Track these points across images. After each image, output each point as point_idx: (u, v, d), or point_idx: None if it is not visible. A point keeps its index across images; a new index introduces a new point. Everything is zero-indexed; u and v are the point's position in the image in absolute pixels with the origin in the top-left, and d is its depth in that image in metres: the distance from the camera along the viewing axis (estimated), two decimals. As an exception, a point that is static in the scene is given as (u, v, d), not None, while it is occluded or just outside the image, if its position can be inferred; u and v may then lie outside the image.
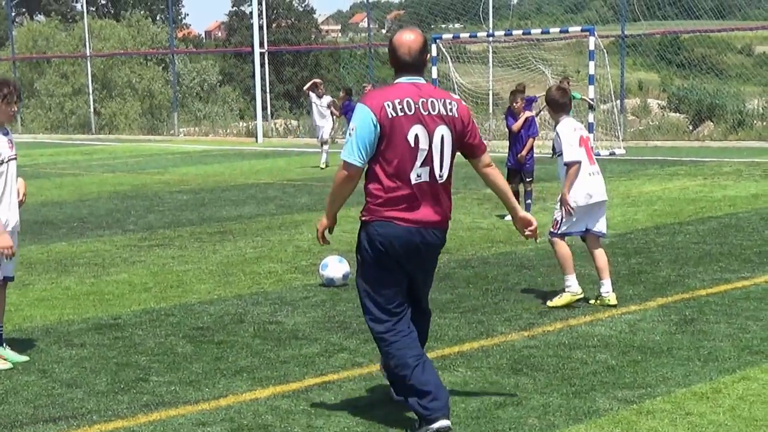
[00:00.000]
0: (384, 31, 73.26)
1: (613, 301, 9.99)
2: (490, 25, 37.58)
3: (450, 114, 6.42)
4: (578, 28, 30.53)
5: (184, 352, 8.76)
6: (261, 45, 42.16)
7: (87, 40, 50.06)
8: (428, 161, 6.35)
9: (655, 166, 24.08)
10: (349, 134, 6.28)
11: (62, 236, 15.72)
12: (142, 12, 64.23)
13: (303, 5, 73.14)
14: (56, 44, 55.55)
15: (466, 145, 6.55)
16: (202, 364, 8.35)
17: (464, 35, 33.10)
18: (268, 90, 42.84)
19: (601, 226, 10.19)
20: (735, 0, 44.68)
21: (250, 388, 7.69)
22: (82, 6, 56.25)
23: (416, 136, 6.31)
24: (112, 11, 73.97)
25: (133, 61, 53.77)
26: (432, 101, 6.38)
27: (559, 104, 10.19)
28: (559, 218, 10.09)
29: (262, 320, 9.82)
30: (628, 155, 27.68)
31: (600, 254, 10.16)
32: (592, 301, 10.10)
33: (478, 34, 34.18)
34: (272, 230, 15.72)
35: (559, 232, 10.10)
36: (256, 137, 39.80)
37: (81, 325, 9.78)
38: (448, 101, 6.46)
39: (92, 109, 48.93)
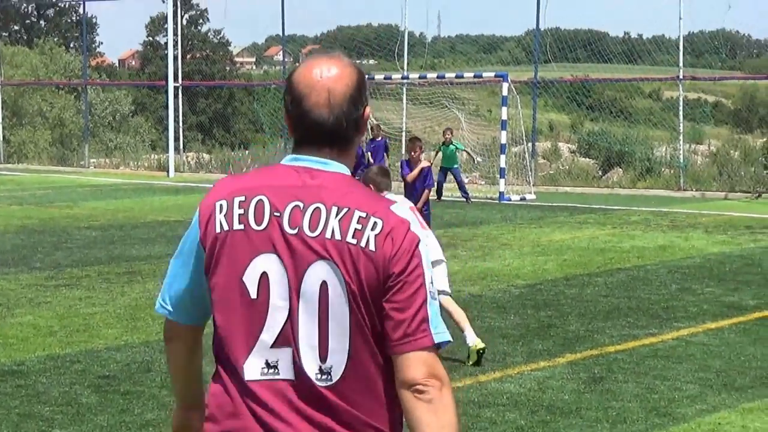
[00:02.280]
0: (297, 65, 73.32)
1: (480, 345, 9.89)
2: (405, 67, 37.74)
3: (351, 242, 2.91)
4: (492, 74, 30.84)
5: (89, 402, 8.61)
6: (175, 78, 41.91)
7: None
8: (286, 337, 2.95)
9: (565, 213, 24.34)
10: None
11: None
12: (55, 39, 63.62)
13: (218, 37, 72.96)
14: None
15: (384, 317, 2.92)
16: (107, 417, 8.21)
17: (379, 77, 33.28)
18: (181, 122, 42.57)
19: (443, 285, 10.08)
20: (644, 45, 45.48)
21: (156, 443, 7.59)
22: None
23: (262, 277, 2.96)
24: (26, 37, 73.10)
25: (45, 89, 53.19)
26: (317, 208, 2.94)
27: (379, 184, 10.16)
28: None
29: (170, 369, 9.67)
30: (538, 201, 27.96)
31: (454, 308, 10.13)
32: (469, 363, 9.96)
33: (393, 76, 34.35)
34: (182, 272, 15.54)
35: None
36: (168, 171, 39.48)
37: (-18, 372, 9.59)
38: (359, 214, 2.93)
39: (1, 137, 48.20)
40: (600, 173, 36.15)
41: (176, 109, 41.63)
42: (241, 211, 2.98)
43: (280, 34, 42.91)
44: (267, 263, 2.96)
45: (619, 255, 17.21)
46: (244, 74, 76.13)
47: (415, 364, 2.89)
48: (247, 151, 45.49)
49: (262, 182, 3.03)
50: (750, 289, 13.92)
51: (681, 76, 33.16)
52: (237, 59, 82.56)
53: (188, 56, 67.57)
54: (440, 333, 2.93)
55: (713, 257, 17.00)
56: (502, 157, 28.81)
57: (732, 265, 16.04)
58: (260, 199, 2.98)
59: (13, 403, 8.58)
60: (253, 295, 2.96)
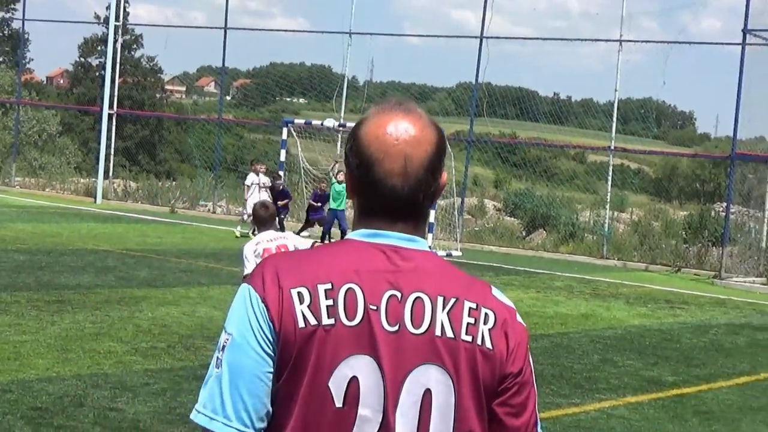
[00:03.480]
0: (228, 97, 73.26)
1: None
2: (342, 113, 38.07)
3: (466, 339, 2.51)
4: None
5: (23, 434, 8.69)
6: (110, 105, 41.84)
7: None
8: None
9: (491, 273, 24.70)
10: (214, 365, 2.52)
11: None
12: (-16, 53, 63.13)
13: (151, 64, 72.76)
14: None
15: (495, 422, 2.57)
16: (41, 450, 8.29)
17: (316, 122, 33.48)
18: (112, 148, 42.45)
19: None
20: (572, 108, 46.27)
21: (90, 480, 7.68)
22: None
23: (351, 383, 2.47)
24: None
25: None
26: (418, 299, 2.51)
27: (261, 219, 10.69)
28: None
29: (102, 405, 9.78)
30: (464, 258, 28.29)
31: None
32: None
33: (331, 123, 34.62)
34: (111, 304, 15.61)
35: None
36: (95, 198, 39.33)
37: None
38: (470, 305, 2.54)
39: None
40: (524, 234, 36.66)
41: (108, 136, 41.53)
42: (330, 302, 2.45)
43: (212, 65, 42.86)
44: (358, 366, 2.44)
45: (542, 320, 17.56)
46: (174, 103, 75.94)
47: None
48: (174, 182, 45.42)
49: (347, 265, 2.49)
50: (669, 364, 14.32)
51: (612, 147, 33.80)
52: (168, 87, 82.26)
53: (119, 80, 67.31)
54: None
55: (634, 330, 17.43)
56: (432, 212, 29.10)
57: (652, 339, 16.47)
58: (350, 288, 2.46)
59: (-53, 430, 8.64)
60: (339, 403, 2.44)
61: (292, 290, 2.46)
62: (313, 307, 2.44)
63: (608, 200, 33.86)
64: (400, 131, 2.51)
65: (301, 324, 2.43)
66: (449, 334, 2.46)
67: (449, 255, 28.55)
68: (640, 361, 14.39)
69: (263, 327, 2.45)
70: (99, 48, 68.38)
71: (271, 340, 2.45)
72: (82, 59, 72.79)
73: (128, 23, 53.77)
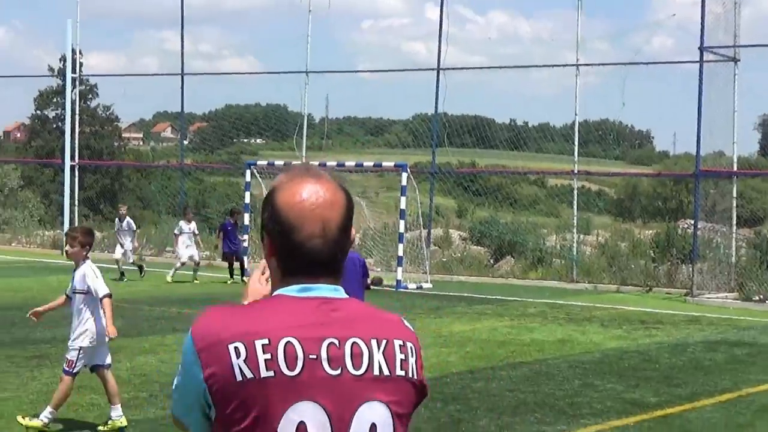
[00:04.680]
0: (186, 142, 73.37)
1: (124, 422, 10.98)
2: (304, 153, 38.16)
3: (400, 374, 2.78)
4: (392, 164, 31.40)
5: (15, 493, 8.66)
6: (71, 157, 41.73)
7: None
8: None
9: (463, 304, 24.79)
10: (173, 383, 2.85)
11: None
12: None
13: (107, 113, 72.63)
14: None
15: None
16: (36, 508, 8.26)
17: (279, 162, 33.56)
18: (76, 200, 42.30)
19: (109, 359, 11.39)
20: (530, 132, 46.53)
21: None
22: None
23: (299, 428, 2.66)
24: None
25: (-69, 162, 52.57)
26: (354, 343, 2.73)
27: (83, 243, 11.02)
28: (75, 357, 11.10)
29: (92, 459, 9.77)
30: (434, 289, 28.39)
31: (112, 383, 11.23)
32: (100, 427, 10.95)
33: (293, 162, 34.70)
34: (89, 356, 15.54)
35: (75, 371, 11.14)
36: (62, 249, 39.10)
37: None
38: (398, 343, 2.80)
39: None
40: (492, 262, 36.78)
41: (72, 188, 41.41)
42: (268, 356, 2.63)
43: (168, 110, 42.93)
44: (304, 412, 2.64)
45: (520, 348, 17.64)
46: (132, 150, 75.84)
47: None
48: (138, 229, 45.24)
49: (284, 320, 2.68)
50: (650, 385, 14.41)
51: (576, 170, 34.01)
52: (125, 134, 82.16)
53: (77, 131, 67.25)
54: None
55: (611, 353, 17.54)
56: (400, 246, 29.23)
57: (630, 361, 16.57)
58: (288, 342, 2.65)
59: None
60: None
61: (229, 345, 2.64)
62: (250, 362, 2.63)
63: (575, 224, 34.03)
64: (315, 197, 2.77)
65: (239, 377, 2.63)
66: (386, 372, 2.73)
67: (420, 288, 28.66)
68: (621, 384, 14.48)
69: (200, 384, 2.66)
70: (55, 100, 68.26)
71: (202, 391, 2.67)
72: (39, 112, 72.57)
73: (83, 74, 53.74)
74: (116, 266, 28.52)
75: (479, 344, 18.05)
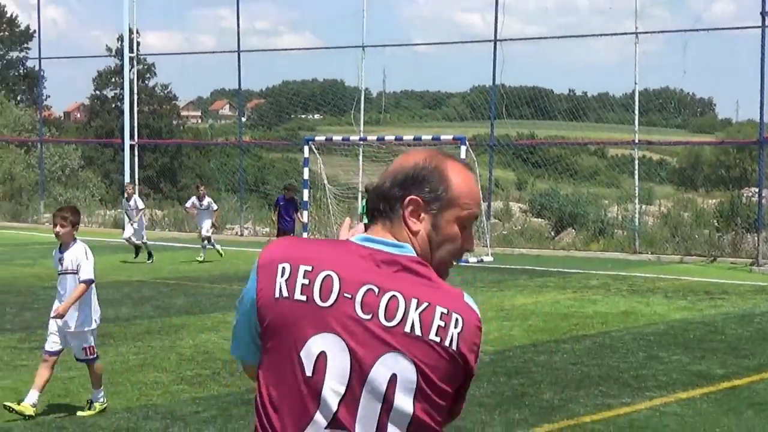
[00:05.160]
0: (244, 119, 73.68)
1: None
2: (362, 128, 38.07)
3: (434, 340, 2.78)
4: (450, 136, 31.21)
5: (82, 472, 8.71)
6: (130, 136, 41.99)
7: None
8: (343, 422, 2.80)
9: (524, 276, 24.65)
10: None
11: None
12: (3, 93, 63.53)
13: (165, 91, 73.03)
14: None
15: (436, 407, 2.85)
16: (101, 486, 8.31)
17: (337, 137, 33.54)
18: (136, 179, 42.59)
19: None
20: (589, 103, 46.10)
21: None
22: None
23: (319, 357, 2.79)
24: (-28, 90, 72.89)
25: (-6, 143, 53.15)
26: (393, 296, 2.79)
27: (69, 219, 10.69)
28: (92, 343, 11.02)
29: (156, 437, 9.80)
30: (495, 262, 28.26)
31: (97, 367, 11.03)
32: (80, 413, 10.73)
33: (351, 137, 34.64)
34: (152, 335, 15.65)
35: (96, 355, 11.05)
36: (123, 228, 39.39)
37: (-28, 440, 9.66)
38: (441, 310, 2.81)
39: (-47, 193, 48.07)
40: (553, 234, 36.56)
41: (131, 167, 41.69)
42: (306, 282, 2.81)
43: (225, 87, 43.00)
44: (327, 343, 2.78)
45: (583, 321, 17.49)
46: (190, 128, 76.21)
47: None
48: (144, 209, 45.39)
49: (331, 258, 2.86)
50: (716, 357, 14.21)
51: (637, 140, 33.65)
52: (183, 113, 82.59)
53: (135, 110, 67.67)
54: None
55: (676, 324, 17.34)
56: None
57: (696, 333, 16.36)
58: (328, 275, 2.81)
59: (7, 473, 8.67)
60: (309, 373, 2.78)
61: (279, 264, 2.85)
62: (289, 282, 2.82)
63: (636, 194, 33.69)
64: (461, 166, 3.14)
65: (276, 294, 2.83)
66: (417, 332, 2.78)
67: (480, 261, 28.52)
68: (687, 356, 14.29)
69: (253, 293, 2.88)
70: (113, 80, 68.76)
71: (255, 309, 2.86)
72: (98, 92, 73.13)
73: (141, 53, 54.00)
74: (135, 245, 27.98)
75: (542, 317, 17.92)
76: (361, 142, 35.28)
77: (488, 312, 18.40)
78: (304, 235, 30.94)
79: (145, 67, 67.38)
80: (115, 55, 61.71)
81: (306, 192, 32.09)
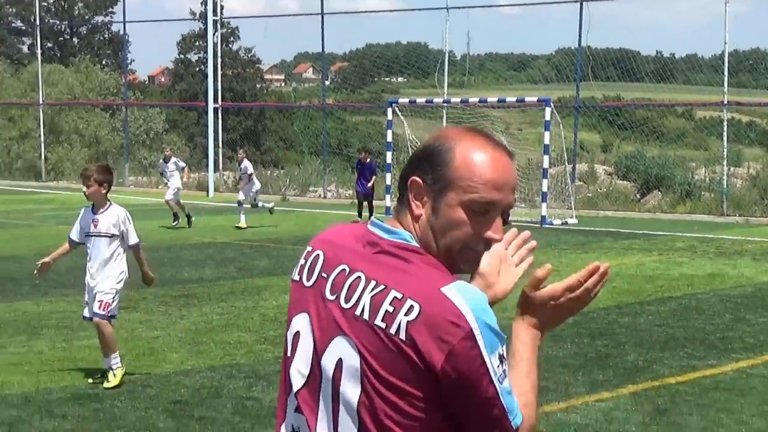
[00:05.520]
0: (327, 82, 73.86)
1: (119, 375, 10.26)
2: (445, 91, 37.90)
3: (378, 324, 2.53)
4: (534, 98, 30.97)
5: (167, 427, 8.79)
6: (214, 99, 42.27)
7: (40, 87, 50.00)
8: (303, 407, 2.73)
9: (609, 239, 24.41)
10: None
11: (26, 294, 15.67)
12: (89, 57, 64.31)
13: (249, 55, 73.39)
14: (4, 88, 55.45)
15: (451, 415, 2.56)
16: (185, 443, 8.38)
17: (420, 100, 33.44)
18: (220, 142, 42.92)
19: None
20: (677, 64, 45.46)
21: (237, 470, 7.75)
22: (33, 52, 56.06)
23: (294, 337, 2.77)
24: (59, 55, 73.81)
25: (80, 106, 53.80)
26: (358, 277, 2.64)
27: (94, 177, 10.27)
28: (112, 301, 10.35)
29: (239, 395, 9.86)
30: (579, 225, 28.02)
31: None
32: (106, 384, 10.17)
33: (435, 100, 34.50)
34: (235, 295, 15.76)
35: (110, 314, 10.34)
36: (207, 191, 39.81)
37: (60, 394, 9.79)
38: (395, 295, 2.53)
39: (43, 157, 48.74)
40: (638, 196, 36.18)
41: (215, 130, 42.00)
42: (303, 262, 2.80)
43: (308, 51, 43.09)
44: (301, 324, 2.73)
45: (668, 283, 17.28)
46: (274, 91, 76.55)
47: None
48: (282, 170, 45.76)
49: (331, 236, 2.81)
50: (805, 320, 13.98)
51: (726, 102, 33.11)
52: (266, 76, 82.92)
53: (219, 74, 68.09)
54: (516, 416, 2.57)
55: (764, 287, 17.05)
56: (545, 181, 28.88)
57: (784, 295, 16.10)
58: (317, 254, 2.76)
59: (93, 426, 8.78)
60: (288, 353, 2.76)
61: (306, 248, 2.85)
62: (298, 264, 2.82)
63: (725, 156, 33.19)
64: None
65: (293, 276, 2.84)
66: (366, 316, 2.55)
67: (565, 223, 28.34)
68: (775, 318, 14.07)
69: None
70: (197, 43, 69.25)
71: None
72: (182, 56, 73.70)
73: (224, 17, 54.25)
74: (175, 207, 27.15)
75: (626, 279, 17.73)
76: (445, 105, 35.10)
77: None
78: (387, 198, 30.93)
79: (229, 30, 67.77)
80: (199, 18, 62.17)
81: (389, 154, 32.03)
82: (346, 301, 2.61)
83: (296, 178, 42.12)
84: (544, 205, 28.60)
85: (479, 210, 2.62)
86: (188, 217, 26.75)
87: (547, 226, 27.76)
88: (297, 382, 2.71)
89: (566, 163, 32.42)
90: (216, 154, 41.84)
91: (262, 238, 24.01)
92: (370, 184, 28.42)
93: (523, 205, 31.96)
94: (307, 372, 2.69)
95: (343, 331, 2.59)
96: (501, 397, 2.51)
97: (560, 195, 32.00)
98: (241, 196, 27.37)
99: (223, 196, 39.48)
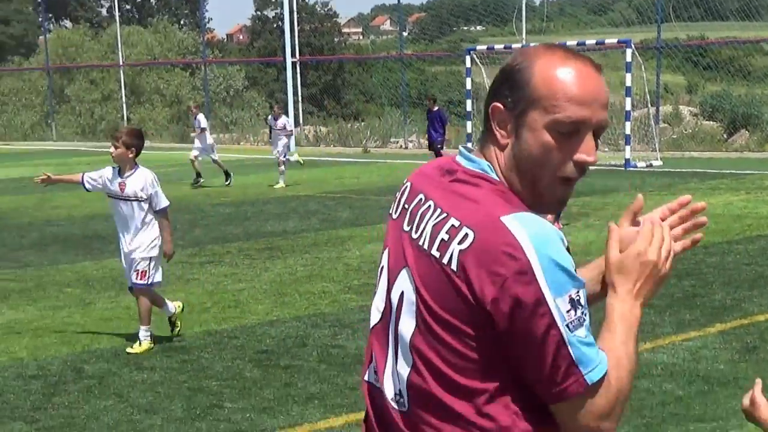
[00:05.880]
0: (405, 33, 73.60)
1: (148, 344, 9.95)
2: (524, 37, 37.55)
3: (434, 255, 2.38)
4: (614, 40, 30.53)
5: (253, 376, 8.86)
6: (292, 54, 42.32)
7: (120, 49, 50.50)
8: (373, 344, 2.66)
9: (695, 179, 24.07)
10: None
11: (113, 252, 15.78)
12: (167, 17, 64.75)
13: (326, 9, 73.38)
14: (85, 51, 56.07)
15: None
16: (272, 390, 8.44)
17: (499, 47, 33.11)
18: (300, 97, 43.02)
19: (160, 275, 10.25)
20: (762, 1, 44.59)
21: (324, 416, 7.79)
22: (112, 15, 56.55)
23: (381, 272, 2.64)
24: (137, 16, 74.44)
25: (161, 67, 54.24)
26: (429, 206, 2.48)
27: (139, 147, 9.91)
28: (150, 268, 9.93)
29: (324, 344, 9.91)
30: (664, 167, 27.66)
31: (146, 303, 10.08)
32: (129, 349, 9.86)
33: (513, 46, 34.15)
34: (319, 247, 15.82)
35: (151, 281, 9.98)
36: (289, 146, 39.91)
37: (148, 348, 9.91)
38: (452, 222, 2.37)
39: (125, 118, 49.26)
40: (725, 136, 35.60)
41: (294, 84, 42.08)
42: (396, 195, 2.63)
43: (385, 2, 43.08)
44: (384, 259, 2.58)
45: (756, 221, 17.00)
46: (352, 45, 76.51)
47: (568, 418, 2.33)
48: (362, 122, 45.77)
49: (424, 168, 2.62)
50: None
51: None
52: (344, 30, 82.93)
53: (297, 29, 68.14)
54: (592, 370, 2.28)
55: None
56: (627, 124, 28.51)
57: None
58: (405, 186, 2.61)
59: (182, 377, 8.88)
60: (377, 289, 2.63)
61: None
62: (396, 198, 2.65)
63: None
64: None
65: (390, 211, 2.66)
66: (425, 245, 2.39)
67: (649, 165, 27.99)
68: None
69: None
70: (273, 0, 69.33)
71: None
72: (259, 13, 73.88)
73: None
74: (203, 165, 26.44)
75: (714, 219, 17.43)
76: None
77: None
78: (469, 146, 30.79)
79: (305, -16, 67.82)
80: (275, -26, 62.17)
81: (469, 103, 31.85)
82: (416, 231, 2.44)
83: (377, 129, 42.09)
84: (627, 148, 28.25)
85: (566, 131, 2.36)
86: (227, 175, 25.95)
87: (631, 169, 27.43)
88: (374, 317, 2.60)
89: (649, 106, 31.99)
90: (296, 109, 41.91)
91: (345, 190, 24.05)
92: (444, 136, 27.64)
93: (606, 149, 31.64)
94: (382, 307, 2.56)
95: (407, 263, 2.43)
96: (569, 345, 2.24)
97: (644, 138, 31.60)
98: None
99: (305, 150, 39.56)
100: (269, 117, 27.34)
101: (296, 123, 41.71)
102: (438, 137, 27.51)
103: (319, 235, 17.01)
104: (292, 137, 26.79)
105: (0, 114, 54.69)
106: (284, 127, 26.24)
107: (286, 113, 27.02)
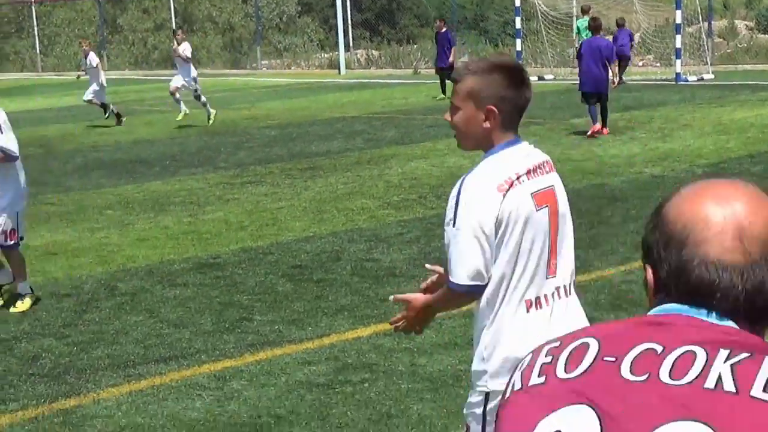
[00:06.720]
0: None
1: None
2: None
3: (761, 398, 1.56)
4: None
5: (285, 290, 8.88)
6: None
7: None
8: None
9: (747, 92, 23.65)
10: None
11: (156, 175, 15.94)
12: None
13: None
14: (137, -20, 56.03)
15: None
16: (303, 303, 8.46)
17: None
18: (349, 21, 42.76)
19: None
20: None
21: (352, 327, 7.80)
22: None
23: None
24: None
25: (213, -6, 54.07)
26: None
27: None
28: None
29: (359, 258, 9.90)
30: (716, 80, 27.22)
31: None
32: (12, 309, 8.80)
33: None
34: (361, 165, 15.78)
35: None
36: (339, 69, 39.78)
37: (182, 265, 9.96)
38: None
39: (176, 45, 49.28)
40: (780, 49, 34.97)
41: (344, 8, 41.80)
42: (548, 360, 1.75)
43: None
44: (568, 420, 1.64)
45: (805, 130, 16.74)
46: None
47: None
48: (415, 46, 45.42)
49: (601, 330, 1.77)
50: None
51: None
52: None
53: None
54: None
55: None
56: (678, 37, 28.04)
57: None
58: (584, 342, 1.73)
59: (214, 293, 8.92)
60: None
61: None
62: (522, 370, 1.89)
63: None
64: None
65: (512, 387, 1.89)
66: (730, 388, 1.61)
67: (701, 79, 27.56)
68: None
69: None
70: None
71: None
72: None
73: None
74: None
75: (761, 129, 17.19)
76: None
77: (704, 127, 17.79)
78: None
79: None
80: None
81: (518, 19, 31.48)
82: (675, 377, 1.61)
83: (428, 51, 41.75)
84: (678, 61, 27.81)
85: None
86: (106, 110, 24.07)
87: (681, 83, 27.01)
88: None
89: (701, 21, 31.44)
90: (346, 33, 41.68)
91: (392, 111, 23.92)
92: (450, 60, 26.01)
93: (658, 64, 31.23)
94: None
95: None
96: None
97: (697, 52, 31.10)
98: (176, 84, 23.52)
99: (355, 73, 39.47)
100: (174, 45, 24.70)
101: (346, 48, 41.49)
102: (442, 62, 26.20)
103: (362, 154, 16.96)
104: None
105: (53, 45, 54.88)
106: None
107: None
